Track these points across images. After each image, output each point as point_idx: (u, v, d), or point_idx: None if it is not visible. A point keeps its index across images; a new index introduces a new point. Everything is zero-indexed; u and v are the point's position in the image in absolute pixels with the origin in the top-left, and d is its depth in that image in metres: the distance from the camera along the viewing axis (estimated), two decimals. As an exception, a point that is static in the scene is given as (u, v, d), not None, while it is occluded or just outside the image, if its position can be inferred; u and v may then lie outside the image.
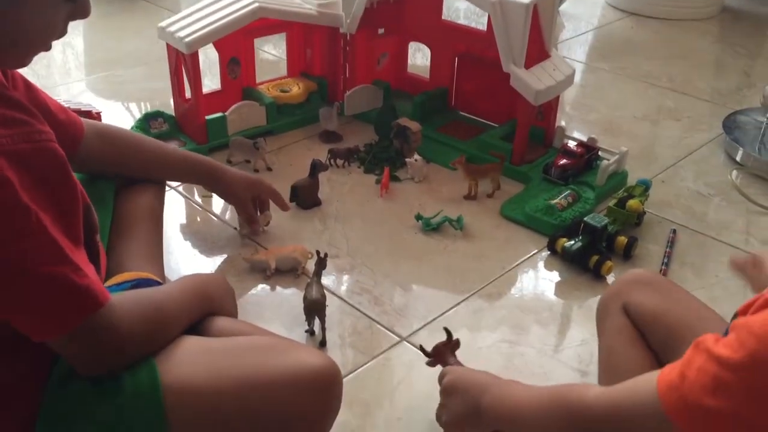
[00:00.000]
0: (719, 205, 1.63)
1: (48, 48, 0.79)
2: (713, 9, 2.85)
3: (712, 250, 1.48)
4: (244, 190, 1.36)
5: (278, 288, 1.32)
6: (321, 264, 1.24)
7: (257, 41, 1.83)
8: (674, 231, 1.50)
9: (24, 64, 0.80)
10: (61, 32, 0.79)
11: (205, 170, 1.31)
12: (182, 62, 1.65)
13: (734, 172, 1.73)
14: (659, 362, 0.94)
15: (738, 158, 1.77)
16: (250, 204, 1.38)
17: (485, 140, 1.71)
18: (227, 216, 1.52)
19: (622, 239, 1.41)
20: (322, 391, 0.92)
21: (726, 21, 2.86)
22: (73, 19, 0.78)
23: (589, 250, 1.36)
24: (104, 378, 0.82)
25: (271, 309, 1.27)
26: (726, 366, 0.56)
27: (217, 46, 1.71)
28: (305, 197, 1.53)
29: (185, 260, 1.39)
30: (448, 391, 0.90)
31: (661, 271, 1.38)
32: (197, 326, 0.98)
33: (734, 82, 2.30)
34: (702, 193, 1.67)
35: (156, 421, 0.83)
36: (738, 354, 0.55)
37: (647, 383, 0.63)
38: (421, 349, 1.06)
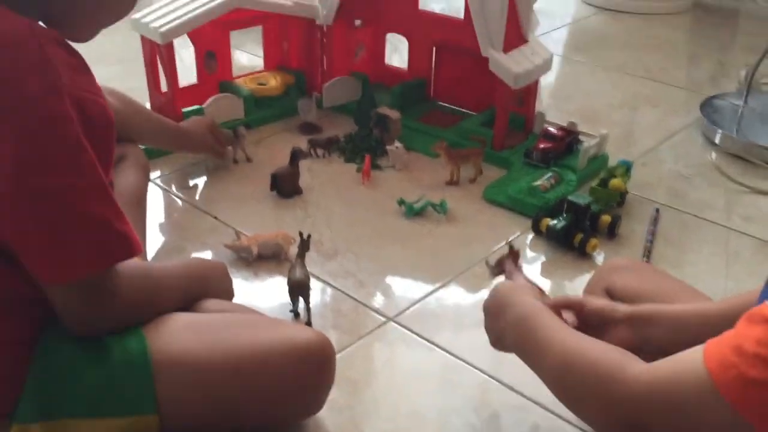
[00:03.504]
0: (700, 185, 1.63)
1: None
2: (685, 3, 2.89)
3: (695, 229, 1.48)
4: (207, 131, 1.54)
5: (262, 274, 1.30)
6: (304, 245, 1.22)
7: (236, 40, 1.82)
8: (657, 210, 1.50)
9: (93, 36, 0.84)
10: (130, 7, 0.85)
11: (174, 131, 1.48)
12: (157, 54, 1.63)
13: (713, 153, 1.74)
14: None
15: (716, 140, 1.78)
16: (213, 138, 1.55)
17: (465, 127, 1.71)
18: (205, 205, 1.50)
19: (606, 218, 1.40)
20: (315, 363, 0.92)
21: (698, 15, 2.90)
22: None
23: (574, 228, 1.36)
24: (93, 344, 0.82)
25: (255, 295, 1.25)
26: None
27: (193, 38, 1.69)
28: (285, 185, 1.51)
29: (167, 252, 1.37)
30: (485, 310, 0.85)
31: (645, 248, 1.38)
32: (188, 307, 0.98)
33: (709, 71, 2.32)
34: (683, 174, 1.68)
35: (144, 389, 0.83)
36: None
37: (692, 362, 0.56)
38: (487, 263, 1.17)
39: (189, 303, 0.99)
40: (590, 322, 0.81)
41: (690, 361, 0.56)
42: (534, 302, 0.76)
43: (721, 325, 0.75)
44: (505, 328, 0.76)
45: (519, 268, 1.07)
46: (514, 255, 1.11)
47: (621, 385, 0.59)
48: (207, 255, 1.36)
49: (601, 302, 0.83)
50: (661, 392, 0.57)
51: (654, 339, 0.79)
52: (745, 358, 0.52)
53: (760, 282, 0.67)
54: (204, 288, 1.03)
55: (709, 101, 1.93)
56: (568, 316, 0.82)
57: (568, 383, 0.66)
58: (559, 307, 0.82)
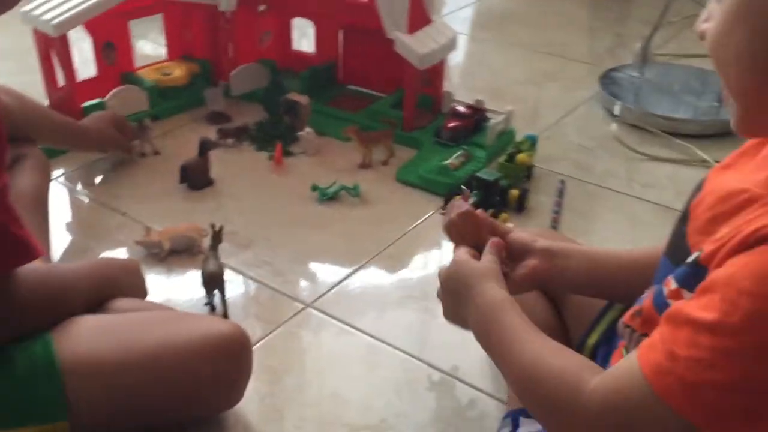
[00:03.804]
0: (602, 155, 1.70)
1: None
2: (583, -21, 2.97)
3: (600, 197, 1.55)
4: (108, 126, 1.48)
5: (175, 269, 1.28)
6: (216, 237, 1.21)
7: (139, 30, 1.76)
8: (562, 181, 1.55)
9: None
10: None
11: (73, 129, 1.43)
12: (51, 47, 1.56)
13: (613, 124, 1.81)
14: (556, 309, 0.97)
15: (616, 112, 1.85)
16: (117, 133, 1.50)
17: (376, 109, 1.72)
18: (114, 202, 1.46)
19: (515, 192, 1.44)
20: (231, 356, 0.92)
21: (596, -10, 2.99)
22: None
23: (484, 204, 1.39)
24: None
25: (170, 290, 1.23)
26: (721, 332, 0.51)
27: (90, 29, 1.63)
28: (196, 177, 1.49)
29: (76, 252, 1.32)
30: (443, 284, 0.81)
31: (552, 218, 1.43)
32: (97, 309, 0.96)
33: (608, 44, 2.41)
34: (585, 145, 1.74)
35: (55, 396, 0.81)
36: (733, 317, 0.51)
37: (630, 373, 0.57)
38: (441, 208, 1.24)
39: (99, 304, 0.96)
40: (513, 251, 0.83)
41: (629, 372, 0.57)
42: (499, 293, 0.73)
43: (635, 270, 0.78)
44: (467, 313, 0.75)
45: (466, 204, 1.02)
46: (465, 197, 1.09)
47: (577, 406, 0.60)
48: (117, 253, 1.32)
49: (524, 233, 0.85)
50: (613, 410, 0.58)
51: (568, 271, 0.82)
52: (678, 363, 0.53)
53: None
54: (114, 288, 1.00)
55: (608, 74, 2.01)
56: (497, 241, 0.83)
57: (528, 394, 0.67)
58: (489, 230, 0.83)
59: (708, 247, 0.58)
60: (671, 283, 0.63)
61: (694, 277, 0.58)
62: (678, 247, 0.67)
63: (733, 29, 0.56)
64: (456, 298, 0.78)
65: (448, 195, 1.44)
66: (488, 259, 0.78)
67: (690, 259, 0.60)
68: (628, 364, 0.57)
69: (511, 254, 0.84)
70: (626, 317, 0.74)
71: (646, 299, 0.69)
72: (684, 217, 0.68)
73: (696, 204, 0.67)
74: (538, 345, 0.67)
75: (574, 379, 0.61)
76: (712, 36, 0.58)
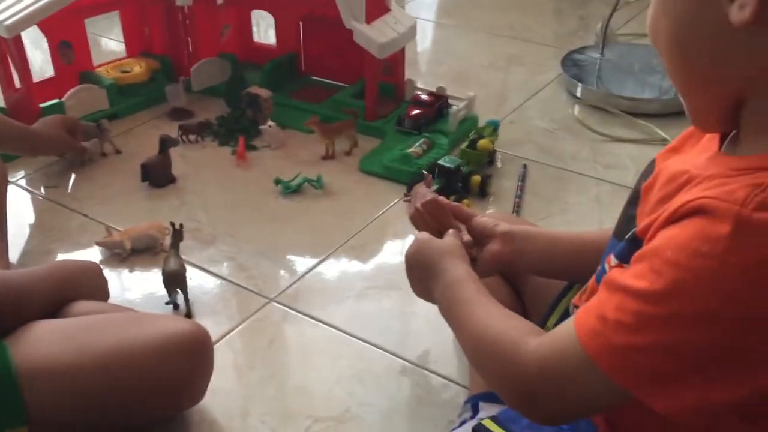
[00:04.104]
0: (565, 138, 1.71)
1: None
2: (547, -39, 2.97)
3: (563, 180, 1.56)
4: (61, 130, 1.46)
5: (137, 269, 1.27)
6: (177, 235, 1.20)
7: (98, 27, 1.74)
8: (525, 166, 1.56)
9: None
10: None
11: (22, 134, 1.41)
12: (5, 49, 1.54)
13: (576, 106, 1.83)
14: (516, 293, 0.99)
15: (578, 93, 1.86)
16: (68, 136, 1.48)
17: (337, 100, 1.72)
18: (74, 203, 1.45)
19: (477, 178, 1.45)
20: (190, 355, 0.92)
21: (560, -28, 2.99)
22: None
23: (446, 191, 1.40)
24: None
25: (132, 291, 1.22)
26: (646, 299, 0.53)
27: (44, 28, 1.61)
28: (157, 175, 1.48)
29: (37, 255, 1.31)
30: (407, 262, 0.84)
31: (514, 203, 1.44)
32: (57, 313, 0.96)
33: (572, 27, 2.41)
34: (548, 129, 1.75)
35: (12, 402, 0.81)
36: (657, 284, 0.53)
37: (567, 336, 0.59)
38: (404, 195, 1.26)
39: (58, 307, 0.96)
40: (475, 235, 0.86)
41: (566, 334, 0.59)
42: (462, 269, 0.76)
43: (590, 250, 0.80)
44: (433, 288, 0.78)
45: (428, 191, 1.04)
46: (427, 183, 1.10)
47: (516, 365, 0.62)
48: (79, 255, 1.31)
49: (486, 218, 0.88)
50: (548, 368, 0.59)
51: (528, 253, 0.85)
52: (608, 326, 0.55)
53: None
54: (73, 290, 1.00)
55: (570, 56, 2.01)
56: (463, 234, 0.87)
57: (478, 359, 0.70)
58: (453, 215, 0.87)
59: (643, 221, 0.60)
60: (612, 260, 0.64)
61: (630, 252, 0.59)
62: (627, 229, 0.68)
63: (658, 18, 0.58)
64: (422, 273, 0.81)
65: (411, 182, 1.44)
66: (450, 238, 0.81)
67: (628, 236, 0.62)
68: (566, 328, 0.60)
69: (475, 238, 0.86)
70: (575, 297, 0.76)
71: (592, 277, 0.70)
72: (634, 199, 0.69)
73: (647, 186, 0.68)
74: (489, 310, 0.70)
75: (516, 340, 0.63)
76: (650, 20, 0.59)
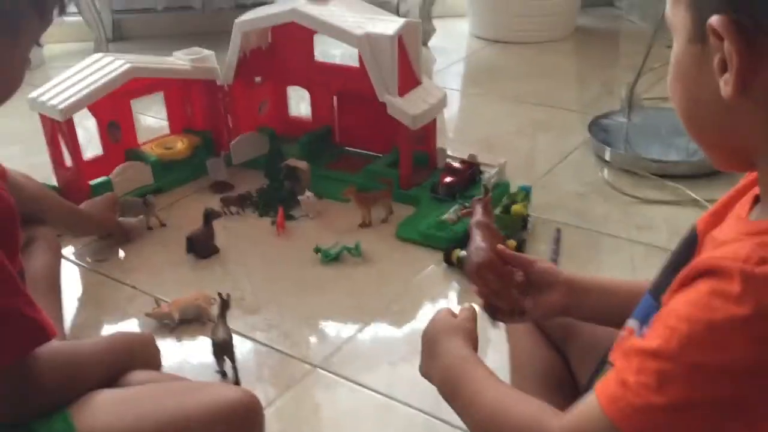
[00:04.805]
0: (596, 201, 1.74)
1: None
2: (567, 29, 3.07)
3: (596, 243, 1.58)
4: (107, 211, 1.56)
5: (185, 339, 1.31)
6: (224, 305, 1.24)
7: (140, 105, 1.83)
8: (558, 230, 1.59)
9: None
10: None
11: (70, 214, 1.49)
12: (58, 131, 1.63)
13: (605, 170, 1.86)
14: (562, 357, 0.99)
15: (607, 157, 1.90)
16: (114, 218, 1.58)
17: (372, 169, 1.77)
18: (123, 276, 1.50)
19: (512, 243, 1.48)
20: (243, 423, 0.93)
21: (580, 39, 3.08)
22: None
23: (483, 256, 1.43)
24: (17, 429, 0.82)
25: (181, 360, 1.26)
26: (663, 357, 0.54)
27: (93, 110, 1.70)
28: (201, 247, 1.53)
29: (87, 327, 1.36)
30: (421, 341, 0.83)
31: (551, 266, 1.46)
32: (114, 382, 0.99)
33: (595, 92, 2.47)
34: (579, 192, 1.78)
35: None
36: (672, 342, 0.54)
37: (591, 407, 0.58)
38: (462, 203, 1.37)
39: (115, 377, 0.99)
40: (535, 282, 0.85)
41: (588, 405, 0.59)
42: (459, 351, 0.76)
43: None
44: (434, 367, 0.78)
45: (487, 213, 1.03)
46: (485, 200, 1.09)
47: None
48: (128, 326, 1.36)
49: (548, 264, 0.87)
50: None
51: (586, 305, 0.85)
52: (628, 389, 0.56)
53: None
54: (130, 361, 1.03)
55: (596, 121, 2.06)
56: (517, 275, 0.86)
57: None
58: (510, 262, 0.86)
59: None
60: (629, 322, 0.67)
61: (652, 311, 0.62)
62: (663, 288, 0.70)
63: (674, 84, 0.61)
64: (425, 355, 0.81)
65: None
66: (463, 315, 0.81)
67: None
68: (589, 400, 0.60)
69: (534, 284, 0.86)
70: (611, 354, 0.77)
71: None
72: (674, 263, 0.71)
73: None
74: (501, 393, 0.69)
75: (537, 424, 0.63)
76: (668, 85, 0.64)
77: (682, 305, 0.55)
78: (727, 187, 0.73)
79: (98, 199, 1.58)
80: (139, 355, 1.06)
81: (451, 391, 0.75)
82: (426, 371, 0.82)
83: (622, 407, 0.56)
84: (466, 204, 1.52)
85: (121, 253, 1.58)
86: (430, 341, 0.80)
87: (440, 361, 0.77)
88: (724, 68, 0.54)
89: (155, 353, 1.11)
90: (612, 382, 0.58)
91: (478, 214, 0.98)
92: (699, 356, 0.53)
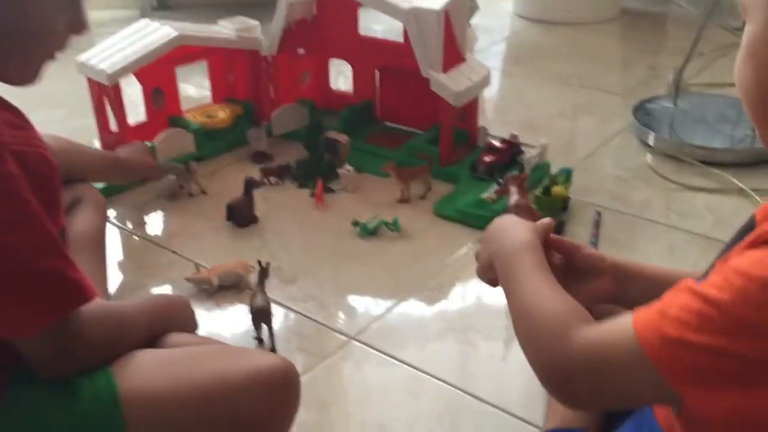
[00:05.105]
0: (638, 186, 1.72)
1: (52, 57, 0.83)
2: (613, 11, 3.01)
3: (637, 227, 1.56)
4: (145, 154, 1.62)
5: (224, 304, 1.33)
6: (263, 273, 1.26)
7: (183, 73, 1.85)
8: (598, 213, 1.57)
9: (30, 77, 0.82)
10: (62, 43, 0.83)
11: (114, 162, 1.54)
12: (105, 95, 1.65)
13: (648, 155, 1.83)
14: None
15: (650, 142, 1.87)
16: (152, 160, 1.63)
17: (413, 145, 1.77)
18: (164, 241, 1.52)
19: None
20: (281, 389, 0.94)
21: (627, 22, 3.03)
22: (73, 31, 0.83)
23: (521, 236, 1.42)
24: (61, 385, 0.83)
25: (218, 325, 1.28)
26: (712, 304, 0.55)
27: (139, 77, 1.72)
28: (241, 215, 1.55)
29: (129, 289, 1.38)
30: (482, 238, 0.84)
31: (590, 250, 1.45)
32: (154, 343, 1.00)
33: (640, 76, 2.43)
34: (621, 176, 1.76)
35: (114, 425, 0.84)
36: (725, 293, 0.54)
37: (623, 325, 0.59)
38: (496, 181, 1.30)
39: (154, 338, 1.01)
40: (581, 267, 0.83)
41: (621, 323, 0.60)
42: (527, 238, 0.76)
43: None
44: (495, 255, 0.78)
45: (522, 192, 1.00)
46: (522, 178, 1.06)
47: (561, 345, 0.62)
48: (168, 290, 1.38)
49: (594, 251, 0.85)
50: (592, 353, 0.60)
51: (631, 293, 0.83)
52: (666, 320, 0.57)
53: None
54: (168, 323, 1.05)
55: (641, 105, 2.03)
56: (555, 257, 0.83)
57: (524, 330, 0.68)
58: (553, 246, 0.83)
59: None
60: None
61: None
62: None
63: (744, 64, 0.61)
64: (489, 243, 0.80)
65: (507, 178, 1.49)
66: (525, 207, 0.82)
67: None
68: (623, 319, 0.60)
69: (580, 269, 0.84)
70: None
71: None
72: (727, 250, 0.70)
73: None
74: (540, 287, 0.70)
75: (568, 321, 0.64)
76: (736, 66, 0.62)
77: (743, 261, 0.56)
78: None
79: (133, 144, 1.64)
80: (177, 318, 1.08)
81: (506, 273, 0.75)
82: (485, 261, 0.81)
83: (654, 332, 0.56)
84: (500, 181, 1.51)
85: (163, 218, 1.61)
86: (496, 230, 0.80)
87: (506, 244, 0.76)
88: None
89: (192, 316, 1.13)
90: (653, 310, 0.59)
91: (515, 194, 0.98)
92: (746, 312, 0.54)
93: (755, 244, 0.57)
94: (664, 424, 0.73)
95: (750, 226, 0.70)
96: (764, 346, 0.53)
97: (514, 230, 0.79)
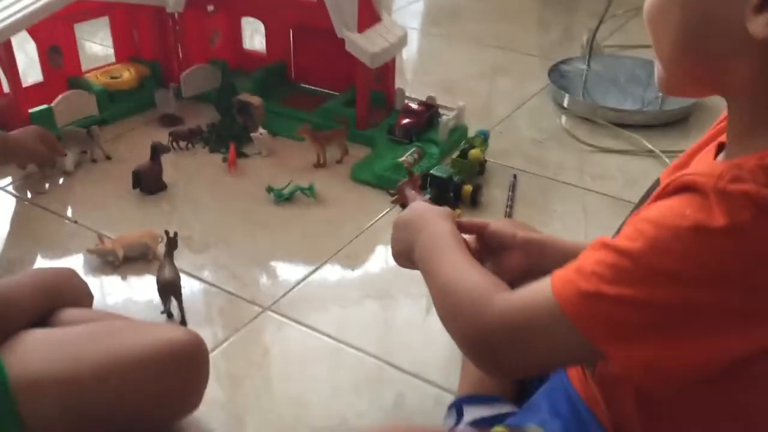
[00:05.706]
0: (553, 148, 1.73)
1: None
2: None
3: (551, 190, 1.58)
4: (34, 141, 1.44)
5: (130, 277, 1.27)
6: (171, 244, 1.20)
7: (86, 31, 1.73)
8: (515, 176, 1.58)
9: None
10: None
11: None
12: (-6, 54, 1.53)
13: (563, 117, 1.85)
14: None
15: (565, 104, 1.89)
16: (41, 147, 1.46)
17: (328, 108, 1.72)
18: (64, 210, 1.44)
19: (468, 188, 1.46)
20: (186, 365, 0.91)
21: (544, -18, 3.03)
22: None
23: (438, 201, 1.41)
24: None
25: (125, 299, 1.22)
26: (624, 254, 0.55)
27: (33, 34, 1.60)
28: (149, 182, 1.47)
29: (26, 264, 1.30)
30: (396, 224, 0.84)
31: (505, 213, 1.45)
32: (45, 321, 0.95)
33: (557, 37, 2.45)
34: (537, 139, 1.77)
35: (8, 415, 0.80)
36: (637, 242, 0.54)
37: (542, 287, 0.59)
38: (389, 192, 1.15)
39: (43, 317, 0.95)
40: (491, 245, 0.84)
41: (540, 286, 0.60)
42: (447, 225, 0.77)
43: None
44: (415, 243, 0.78)
45: (420, 193, 1.02)
46: (414, 181, 1.07)
47: (483, 313, 0.62)
48: (70, 262, 1.30)
49: (501, 226, 0.85)
50: (513, 318, 0.60)
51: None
52: (582, 275, 0.57)
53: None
54: (57, 298, 0.99)
55: (557, 67, 2.04)
56: (470, 239, 0.84)
57: (446, 305, 0.68)
58: (462, 230, 0.83)
59: None
60: None
61: None
62: None
63: (669, 8, 0.59)
64: (407, 231, 0.80)
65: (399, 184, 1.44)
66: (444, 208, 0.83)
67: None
68: (543, 281, 0.60)
69: (491, 247, 0.84)
70: None
71: None
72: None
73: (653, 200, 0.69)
74: (457, 262, 0.71)
75: (487, 291, 0.64)
76: (650, 7, 0.61)
77: (654, 211, 0.56)
78: (681, 138, 0.73)
79: (25, 128, 1.48)
80: (67, 292, 1.02)
81: (424, 261, 0.75)
82: (402, 254, 0.82)
83: (570, 289, 0.57)
84: (392, 191, 1.34)
85: (63, 186, 1.51)
86: (416, 218, 0.81)
87: (427, 231, 0.77)
88: (760, 9, 0.52)
89: (85, 289, 1.07)
90: (570, 269, 0.59)
91: (414, 197, 0.97)
92: (658, 260, 0.54)
93: (662, 196, 0.57)
94: (579, 386, 0.74)
95: (655, 187, 0.70)
96: (680, 291, 0.53)
97: (432, 218, 0.79)
